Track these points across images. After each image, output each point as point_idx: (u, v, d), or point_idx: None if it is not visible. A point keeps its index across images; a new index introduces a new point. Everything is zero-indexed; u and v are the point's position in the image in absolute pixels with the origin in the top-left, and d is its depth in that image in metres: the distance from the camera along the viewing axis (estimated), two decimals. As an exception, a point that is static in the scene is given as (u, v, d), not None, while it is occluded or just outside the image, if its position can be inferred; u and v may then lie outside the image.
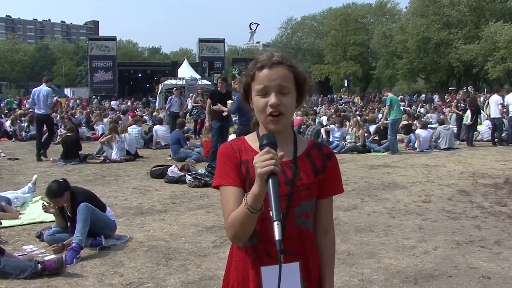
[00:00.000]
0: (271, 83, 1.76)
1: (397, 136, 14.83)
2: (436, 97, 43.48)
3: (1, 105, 37.65)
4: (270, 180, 1.56)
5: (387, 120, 14.27)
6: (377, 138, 15.24)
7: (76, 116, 23.89)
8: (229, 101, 10.58)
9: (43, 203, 5.74)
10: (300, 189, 1.79)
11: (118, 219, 6.34)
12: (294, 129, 1.93)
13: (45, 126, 13.25)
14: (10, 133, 18.94)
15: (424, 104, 37.07)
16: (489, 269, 4.78)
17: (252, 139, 1.89)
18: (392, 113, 14.11)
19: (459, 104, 17.72)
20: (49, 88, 13.01)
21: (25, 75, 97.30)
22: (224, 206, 1.80)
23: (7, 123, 20.47)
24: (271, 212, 1.55)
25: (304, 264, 1.81)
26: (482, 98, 28.72)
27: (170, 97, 19.26)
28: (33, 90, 13.22)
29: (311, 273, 1.85)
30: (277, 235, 1.52)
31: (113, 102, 37.75)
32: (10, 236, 5.98)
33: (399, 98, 15.01)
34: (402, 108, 22.76)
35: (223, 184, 1.81)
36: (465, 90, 28.48)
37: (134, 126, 15.58)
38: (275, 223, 1.53)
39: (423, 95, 49.39)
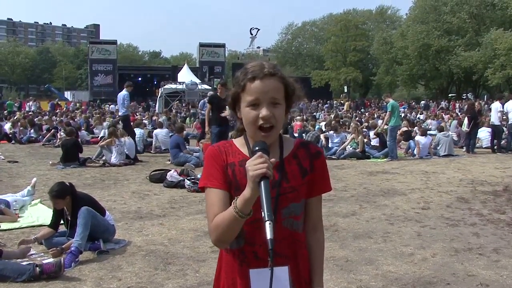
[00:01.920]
0: (263, 96, 1.75)
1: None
2: (443, 103, 43.46)
3: (5, 105, 37.57)
4: (262, 182, 1.59)
5: (387, 125, 14.26)
6: (377, 144, 15.26)
7: (76, 120, 23.87)
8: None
9: (22, 240, 5.63)
10: (287, 191, 1.79)
11: (116, 223, 6.33)
12: (280, 132, 1.91)
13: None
14: (10, 135, 18.93)
15: (423, 111, 37.10)
16: (487, 276, 4.78)
17: (240, 143, 1.90)
18: (392, 119, 14.14)
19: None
20: (126, 92, 14.57)
21: (26, 78, 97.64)
22: (209, 208, 1.80)
23: (7, 126, 20.43)
24: (262, 212, 1.57)
25: (294, 267, 1.81)
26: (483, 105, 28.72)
27: (203, 100, 17.18)
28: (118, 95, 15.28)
29: (301, 274, 1.85)
30: (268, 234, 1.53)
31: (112, 106, 37.65)
32: (9, 239, 5.97)
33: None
34: (401, 114, 22.77)
35: (209, 186, 1.81)
36: (464, 96, 28.52)
37: (136, 129, 15.66)
38: (267, 222, 1.55)
39: (422, 102, 49.47)
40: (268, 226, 1.54)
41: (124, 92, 14.52)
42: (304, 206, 1.88)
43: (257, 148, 1.67)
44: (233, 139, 1.94)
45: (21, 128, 19.27)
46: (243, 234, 1.78)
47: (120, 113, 15.11)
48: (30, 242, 5.55)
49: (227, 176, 1.81)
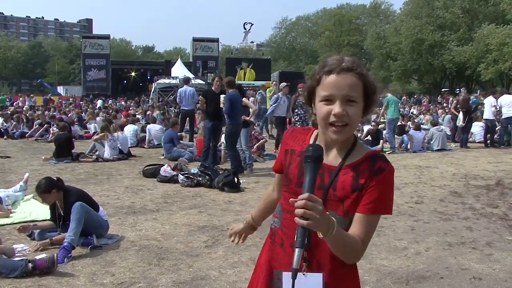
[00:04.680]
0: (337, 92, 1.66)
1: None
2: (439, 99, 43.38)
3: None
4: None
5: (383, 119, 14.56)
6: (369, 139, 15.27)
7: (69, 115, 23.76)
8: (222, 95, 10.50)
9: (18, 228, 5.68)
10: (331, 199, 1.70)
11: (110, 218, 6.31)
12: (356, 136, 1.81)
13: (187, 119, 15.99)
14: (3, 131, 18.78)
15: (415, 105, 37.16)
16: (480, 270, 4.80)
17: (315, 134, 1.86)
18: (389, 112, 14.65)
19: (457, 106, 17.57)
20: (193, 88, 15.71)
21: (18, 73, 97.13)
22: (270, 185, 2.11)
23: (-1, 121, 20.27)
24: (296, 238, 1.51)
25: (328, 276, 1.71)
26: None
27: (276, 95, 14.85)
28: (179, 90, 16.11)
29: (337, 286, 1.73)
30: (294, 263, 1.48)
31: (99, 102, 37.33)
32: (1, 235, 5.92)
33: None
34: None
35: (273, 168, 2.00)
36: (457, 91, 28.55)
37: (130, 124, 15.85)
38: (296, 249, 1.49)
39: (415, 96, 49.61)
40: (296, 252, 1.49)
41: (191, 88, 15.66)
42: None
43: (309, 154, 1.57)
44: (315, 129, 1.87)
45: (14, 123, 19.16)
46: (281, 217, 1.79)
47: (187, 108, 15.55)
48: (29, 228, 5.62)
49: (285, 160, 1.87)
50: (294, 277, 1.48)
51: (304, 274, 1.61)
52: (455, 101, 18.14)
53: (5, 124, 19.40)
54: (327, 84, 1.68)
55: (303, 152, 1.66)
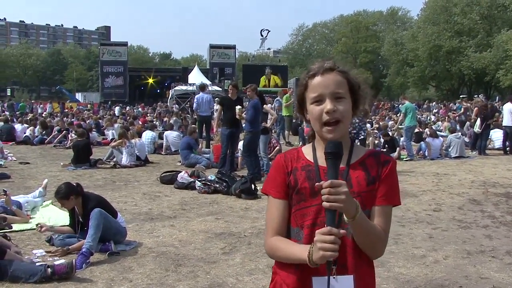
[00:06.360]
0: (325, 90, 1.75)
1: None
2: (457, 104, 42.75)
3: (15, 106, 37.72)
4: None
5: (401, 126, 14.44)
6: (387, 146, 15.19)
7: (87, 121, 23.98)
8: (237, 107, 10.52)
9: (36, 224, 5.77)
10: None
11: (127, 224, 6.33)
12: (350, 137, 1.91)
13: (204, 125, 15.96)
14: (32, 138, 18.86)
15: (426, 112, 36.79)
16: (500, 279, 4.73)
17: (307, 151, 1.89)
18: (406, 120, 14.48)
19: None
20: (209, 95, 16.05)
21: (37, 80, 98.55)
22: (268, 217, 1.88)
23: (18, 127, 20.45)
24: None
25: (357, 279, 1.75)
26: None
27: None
28: (196, 97, 16.48)
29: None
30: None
31: (116, 108, 37.58)
32: (21, 240, 6.00)
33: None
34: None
35: (270, 194, 1.88)
36: (476, 96, 28.16)
37: (148, 131, 16.09)
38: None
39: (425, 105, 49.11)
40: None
41: (207, 95, 15.93)
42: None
43: (329, 150, 1.64)
44: (302, 147, 1.95)
45: (38, 128, 19.35)
46: (301, 235, 1.78)
47: (204, 114, 15.76)
48: (46, 227, 5.69)
49: (288, 183, 1.84)
50: (329, 270, 1.59)
51: (334, 277, 1.65)
52: (476, 108, 17.89)
53: (35, 129, 19.57)
54: (314, 86, 1.78)
55: (307, 166, 1.81)
